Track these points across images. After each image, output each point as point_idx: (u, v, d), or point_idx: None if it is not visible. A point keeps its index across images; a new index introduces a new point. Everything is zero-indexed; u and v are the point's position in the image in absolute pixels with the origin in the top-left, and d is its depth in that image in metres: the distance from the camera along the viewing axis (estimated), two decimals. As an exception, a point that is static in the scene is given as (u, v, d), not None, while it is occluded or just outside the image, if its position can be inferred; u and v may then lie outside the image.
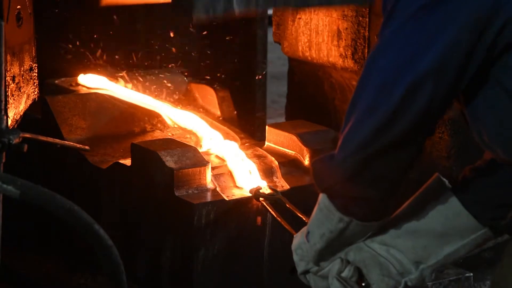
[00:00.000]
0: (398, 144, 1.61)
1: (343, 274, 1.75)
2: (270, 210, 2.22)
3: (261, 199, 2.26)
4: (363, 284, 1.75)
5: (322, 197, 1.72)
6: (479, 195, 1.73)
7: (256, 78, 2.99)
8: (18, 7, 2.33)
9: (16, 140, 1.82)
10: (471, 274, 2.54)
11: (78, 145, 2.37)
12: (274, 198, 2.26)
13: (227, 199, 2.31)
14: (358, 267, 1.76)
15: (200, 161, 2.35)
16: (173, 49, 3.08)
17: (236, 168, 2.42)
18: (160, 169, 2.33)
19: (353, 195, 1.67)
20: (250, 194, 2.32)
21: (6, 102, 2.01)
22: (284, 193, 2.32)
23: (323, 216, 1.72)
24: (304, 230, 1.79)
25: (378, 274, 1.74)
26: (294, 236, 1.84)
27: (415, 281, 1.75)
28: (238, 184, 2.39)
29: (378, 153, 1.61)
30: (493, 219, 1.73)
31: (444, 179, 1.77)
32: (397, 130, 1.59)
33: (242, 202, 2.32)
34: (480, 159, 1.80)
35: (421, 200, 1.77)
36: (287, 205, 2.20)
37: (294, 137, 2.55)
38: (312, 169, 1.70)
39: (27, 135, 1.89)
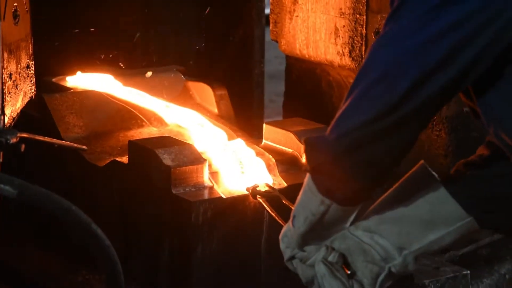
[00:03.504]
0: (392, 132, 1.61)
1: (329, 259, 1.76)
2: (267, 208, 2.22)
3: (258, 196, 2.26)
4: (349, 272, 1.75)
5: (307, 179, 1.72)
6: (468, 186, 1.74)
7: (254, 76, 2.99)
8: (15, 4, 2.33)
9: (13, 140, 1.82)
10: (468, 271, 2.54)
11: (75, 145, 2.37)
12: (271, 196, 2.26)
13: (224, 197, 2.31)
14: (343, 253, 1.76)
15: (197, 158, 2.35)
16: (171, 47, 3.09)
17: (234, 166, 2.42)
18: (157, 167, 2.33)
19: (339, 176, 1.66)
20: (247, 192, 2.32)
21: (3, 101, 2.01)
22: (282, 190, 2.32)
23: (307, 199, 1.73)
24: (291, 217, 1.80)
25: (362, 260, 1.75)
26: (283, 227, 1.85)
27: (398, 267, 1.75)
28: (236, 182, 2.39)
29: (371, 137, 1.61)
30: (481, 211, 1.73)
31: (431, 170, 1.78)
32: (394, 119, 1.59)
33: (239, 200, 2.32)
34: (473, 155, 1.80)
35: (406, 187, 1.78)
36: (284, 202, 2.21)
37: (291, 135, 2.55)
38: (304, 146, 1.70)
39: (25, 135, 1.89)
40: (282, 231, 1.84)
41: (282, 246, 1.84)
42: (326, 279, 1.76)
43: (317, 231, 1.76)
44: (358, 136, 1.60)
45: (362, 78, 1.61)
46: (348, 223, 1.77)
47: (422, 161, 1.78)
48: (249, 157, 2.42)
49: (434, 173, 1.76)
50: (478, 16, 1.52)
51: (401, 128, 1.60)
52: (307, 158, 1.70)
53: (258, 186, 2.28)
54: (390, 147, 1.63)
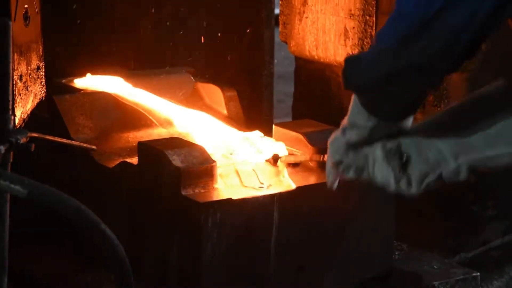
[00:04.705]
0: (430, 52, 1.59)
1: (388, 146, 1.76)
2: (291, 160, 2.21)
3: (280, 160, 2.27)
4: (404, 161, 1.75)
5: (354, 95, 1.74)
6: None
7: (264, 78, 3.00)
8: (26, 6, 2.34)
9: (23, 140, 1.83)
10: (478, 273, 2.53)
11: (85, 145, 2.37)
12: (293, 161, 2.26)
13: (234, 198, 2.31)
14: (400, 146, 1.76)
15: (207, 160, 2.35)
16: (181, 49, 3.09)
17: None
18: (166, 168, 2.33)
19: (380, 96, 1.68)
20: (258, 193, 2.32)
21: (14, 102, 2.02)
22: (290, 192, 2.32)
23: (356, 112, 1.75)
24: (342, 125, 1.82)
25: (415, 158, 1.74)
26: (333, 132, 1.86)
27: (450, 173, 1.74)
28: (245, 183, 2.39)
29: (407, 58, 1.61)
30: None
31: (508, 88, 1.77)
32: (427, 43, 1.58)
33: (249, 201, 2.32)
34: None
35: (478, 101, 1.76)
36: (311, 163, 2.19)
37: (301, 137, 2.55)
38: (344, 66, 1.72)
39: (35, 135, 1.89)
40: (332, 136, 1.86)
41: (330, 150, 1.86)
42: (379, 164, 1.77)
43: (370, 141, 1.78)
44: (394, 55, 1.61)
45: None
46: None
47: (501, 79, 1.78)
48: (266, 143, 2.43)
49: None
50: None
51: (430, 63, 1.59)
52: (348, 78, 1.72)
53: (278, 154, 2.29)
54: (418, 83, 1.64)
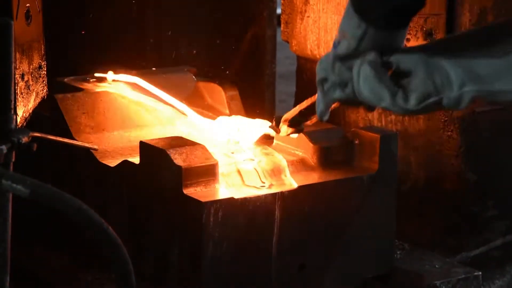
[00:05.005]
0: None
1: (376, 59, 1.70)
2: (291, 114, 2.22)
3: (282, 121, 2.29)
4: (393, 70, 1.67)
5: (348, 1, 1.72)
6: None
7: (265, 77, 3.01)
8: (27, 5, 2.34)
9: (25, 139, 1.83)
10: (480, 273, 2.53)
11: (87, 145, 2.38)
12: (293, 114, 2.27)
13: (235, 198, 2.31)
14: (391, 62, 1.70)
15: (209, 159, 2.35)
16: (182, 48, 3.09)
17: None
18: (168, 167, 2.33)
19: None
20: (260, 192, 2.32)
21: (15, 101, 2.02)
22: (292, 191, 2.32)
23: (347, 20, 1.71)
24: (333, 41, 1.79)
25: (422, 76, 1.67)
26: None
27: (452, 100, 1.68)
28: (246, 182, 2.40)
29: None
30: None
31: None
32: None
33: (251, 201, 2.32)
34: None
35: (499, 31, 1.71)
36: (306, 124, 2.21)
37: (303, 135, 2.55)
38: None
39: (37, 134, 1.90)
40: (324, 55, 1.82)
41: (318, 67, 1.81)
42: (369, 81, 1.69)
43: (356, 55, 1.74)
44: None
45: None
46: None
47: None
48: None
49: None
50: None
51: None
52: None
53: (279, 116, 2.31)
54: None
